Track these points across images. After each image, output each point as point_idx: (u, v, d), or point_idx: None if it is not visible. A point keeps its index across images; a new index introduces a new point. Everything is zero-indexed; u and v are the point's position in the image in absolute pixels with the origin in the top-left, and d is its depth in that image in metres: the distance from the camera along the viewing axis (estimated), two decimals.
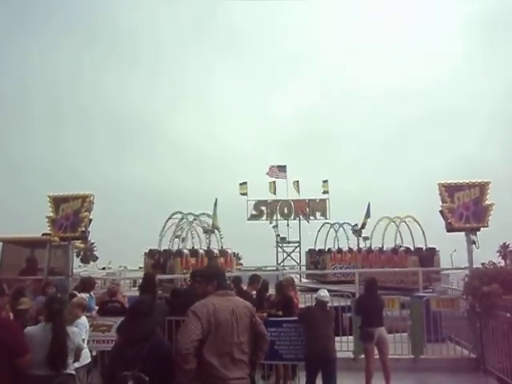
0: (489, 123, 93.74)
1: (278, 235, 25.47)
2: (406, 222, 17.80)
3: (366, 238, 19.73)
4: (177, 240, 17.62)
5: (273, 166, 26.00)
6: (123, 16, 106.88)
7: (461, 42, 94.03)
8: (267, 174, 25.87)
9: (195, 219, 17.54)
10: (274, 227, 25.29)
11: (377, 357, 6.45)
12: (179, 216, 17.40)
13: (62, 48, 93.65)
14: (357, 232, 20.32)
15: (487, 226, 8.14)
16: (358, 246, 20.63)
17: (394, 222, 18.03)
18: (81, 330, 4.93)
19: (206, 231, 17.61)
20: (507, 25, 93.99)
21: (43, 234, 10.43)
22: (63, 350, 3.80)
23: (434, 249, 16.94)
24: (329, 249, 22.24)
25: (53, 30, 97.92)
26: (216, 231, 17.86)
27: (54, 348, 3.73)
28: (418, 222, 17.29)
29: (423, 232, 17.15)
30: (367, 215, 21.11)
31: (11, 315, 5.14)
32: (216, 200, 17.50)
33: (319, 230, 23.69)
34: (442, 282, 12.53)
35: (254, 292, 7.27)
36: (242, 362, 3.01)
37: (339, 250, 21.60)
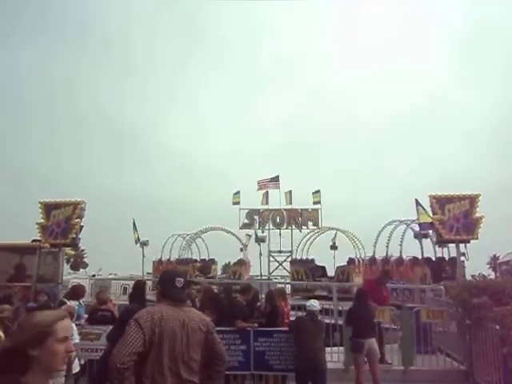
0: (473, 139, 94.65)
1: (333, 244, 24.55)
2: None
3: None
4: None
5: (262, 180, 26.06)
6: (117, 26, 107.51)
7: (448, 54, 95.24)
8: (258, 189, 25.94)
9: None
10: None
11: (367, 368, 6.45)
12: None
13: (56, 56, 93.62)
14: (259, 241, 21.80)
15: (477, 238, 8.23)
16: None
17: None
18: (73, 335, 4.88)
19: (137, 242, 19.95)
20: (484, 42, 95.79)
21: (33, 241, 10.34)
22: None
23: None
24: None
25: (46, 36, 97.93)
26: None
27: None
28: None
29: None
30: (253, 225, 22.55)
31: None
32: (133, 220, 20.03)
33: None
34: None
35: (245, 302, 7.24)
36: (192, 382, 2.60)
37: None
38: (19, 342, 1.55)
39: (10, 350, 1.53)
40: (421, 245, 16.28)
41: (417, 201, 11.18)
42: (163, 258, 20.65)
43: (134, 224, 19.72)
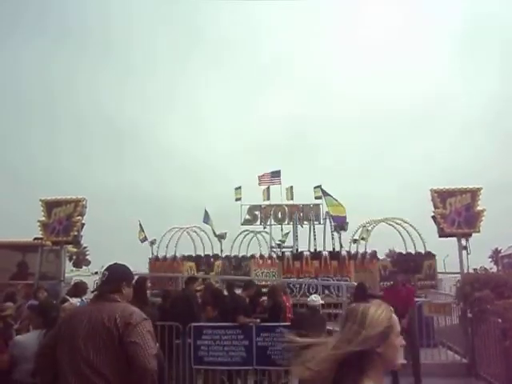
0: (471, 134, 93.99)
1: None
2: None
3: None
4: None
5: (264, 174, 25.93)
6: (117, 26, 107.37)
7: (448, 54, 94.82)
8: (259, 184, 25.81)
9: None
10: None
11: None
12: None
13: (56, 56, 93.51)
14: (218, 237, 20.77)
15: (478, 232, 8.21)
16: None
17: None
18: None
19: (143, 241, 20.12)
20: (484, 42, 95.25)
21: (35, 239, 10.36)
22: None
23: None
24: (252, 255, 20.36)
25: (46, 36, 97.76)
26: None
27: None
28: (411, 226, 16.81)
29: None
30: (206, 220, 21.26)
31: None
32: (140, 221, 20.54)
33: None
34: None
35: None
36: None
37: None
38: (370, 342, 1.46)
39: (363, 352, 1.46)
40: (340, 238, 15.01)
41: (323, 190, 10.37)
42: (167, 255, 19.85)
43: (140, 225, 20.62)
